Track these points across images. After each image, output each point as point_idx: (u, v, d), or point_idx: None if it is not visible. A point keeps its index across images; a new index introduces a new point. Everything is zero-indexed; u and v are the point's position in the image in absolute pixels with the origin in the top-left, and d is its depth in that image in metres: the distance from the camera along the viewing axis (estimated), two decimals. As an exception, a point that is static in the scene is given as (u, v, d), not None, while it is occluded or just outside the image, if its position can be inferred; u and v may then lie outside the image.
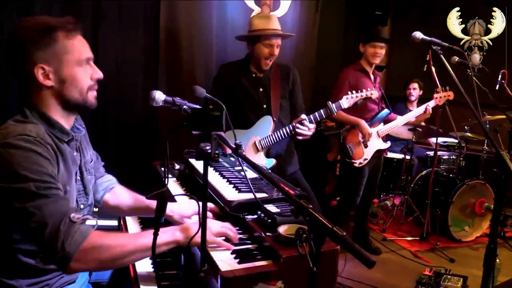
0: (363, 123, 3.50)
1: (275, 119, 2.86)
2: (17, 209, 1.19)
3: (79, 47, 1.37)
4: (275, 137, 2.80)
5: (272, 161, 2.86)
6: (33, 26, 1.32)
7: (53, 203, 1.21)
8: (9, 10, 2.75)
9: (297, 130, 2.72)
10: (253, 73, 2.89)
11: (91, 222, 1.32)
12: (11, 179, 1.19)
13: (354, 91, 2.95)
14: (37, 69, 1.30)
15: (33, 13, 2.82)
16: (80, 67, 1.37)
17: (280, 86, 2.91)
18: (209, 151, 1.19)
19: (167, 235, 1.36)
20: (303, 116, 2.74)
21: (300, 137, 2.77)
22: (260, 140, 2.82)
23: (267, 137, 2.82)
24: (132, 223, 2.09)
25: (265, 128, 2.84)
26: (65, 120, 1.42)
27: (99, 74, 1.43)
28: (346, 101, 2.88)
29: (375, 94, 3.02)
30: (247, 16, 4.13)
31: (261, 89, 2.88)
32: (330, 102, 2.82)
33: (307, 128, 2.72)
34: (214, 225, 1.43)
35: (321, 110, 2.81)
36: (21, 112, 1.35)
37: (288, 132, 2.78)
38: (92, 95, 1.42)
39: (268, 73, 2.91)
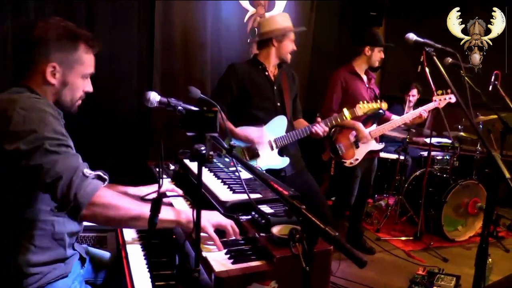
0: (360, 125, 3.50)
1: (288, 118, 2.92)
2: (33, 167, 1.28)
3: (90, 63, 1.53)
4: (291, 136, 2.86)
5: (287, 160, 2.89)
6: (62, 29, 1.45)
7: (65, 158, 1.32)
8: (2, 8, 2.74)
9: (315, 128, 2.84)
10: (266, 71, 2.92)
11: (103, 176, 1.42)
12: (27, 140, 1.28)
13: (366, 101, 3.10)
14: (48, 66, 1.43)
15: (26, 12, 2.81)
16: (82, 79, 1.52)
17: (289, 88, 2.99)
18: (203, 152, 1.20)
19: (172, 214, 1.45)
20: (319, 119, 2.88)
21: (315, 136, 2.90)
22: (275, 139, 2.85)
23: (283, 136, 2.86)
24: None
25: (280, 127, 2.88)
26: None
27: (91, 89, 1.57)
28: (359, 110, 3.05)
29: (385, 106, 3.20)
30: (241, 16, 4.14)
31: (275, 88, 2.92)
32: (345, 109, 2.98)
33: (322, 129, 2.84)
34: (215, 217, 1.47)
35: (336, 115, 2.97)
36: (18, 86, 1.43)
37: (305, 132, 2.85)
38: (77, 104, 1.57)
39: (280, 74, 2.97)
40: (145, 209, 1.36)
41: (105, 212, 1.34)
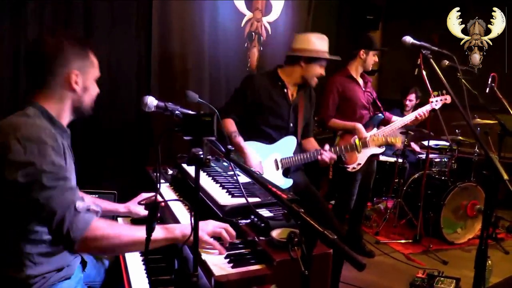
0: (360, 126, 3.48)
1: (298, 140, 2.85)
2: (30, 201, 1.32)
3: (97, 65, 1.61)
4: (298, 159, 2.79)
5: (290, 182, 2.79)
6: (73, 38, 1.54)
7: (60, 194, 1.33)
8: (2, 8, 2.73)
9: (322, 156, 2.78)
10: (285, 89, 2.83)
11: (94, 209, 1.44)
12: (24, 172, 1.30)
13: (379, 135, 3.26)
14: (72, 74, 1.49)
15: (25, 13, 2.80)
16: (95, 81, 1.60)
17: (304, 107, 2.90)
18: (200, 156, 1.20)
19: (166, 232, 1.45)
20: (327, 146, 2.84)
21: (321, 163, 2.83)
22: (281, 159, 2.78)
23: (290, 157, 2.79)
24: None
25: (288, 148, 2.81)
26: (65, 122, 1.56)
27: (98, 90, 1.64)
28: (372, 142, 3.22)
29: (399, 141, 3.37)
30: (238, 19, 4.14)
31: (292, 107, 2.83)
32: (356, 138, 3.11)
33: (329, 156, 2.79)
34: (209, 225, 1.47)
35: (348, 145, 3.02)
36: (21, 109, 1.45)
37: (312, 157, 2.79)
38: (92, 105, 1.63)
39: (298, 96, 2.87)
40: (138, 233, 1.39)
41: (99, 244, 1.37)
